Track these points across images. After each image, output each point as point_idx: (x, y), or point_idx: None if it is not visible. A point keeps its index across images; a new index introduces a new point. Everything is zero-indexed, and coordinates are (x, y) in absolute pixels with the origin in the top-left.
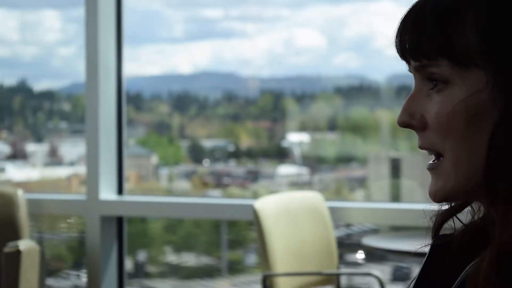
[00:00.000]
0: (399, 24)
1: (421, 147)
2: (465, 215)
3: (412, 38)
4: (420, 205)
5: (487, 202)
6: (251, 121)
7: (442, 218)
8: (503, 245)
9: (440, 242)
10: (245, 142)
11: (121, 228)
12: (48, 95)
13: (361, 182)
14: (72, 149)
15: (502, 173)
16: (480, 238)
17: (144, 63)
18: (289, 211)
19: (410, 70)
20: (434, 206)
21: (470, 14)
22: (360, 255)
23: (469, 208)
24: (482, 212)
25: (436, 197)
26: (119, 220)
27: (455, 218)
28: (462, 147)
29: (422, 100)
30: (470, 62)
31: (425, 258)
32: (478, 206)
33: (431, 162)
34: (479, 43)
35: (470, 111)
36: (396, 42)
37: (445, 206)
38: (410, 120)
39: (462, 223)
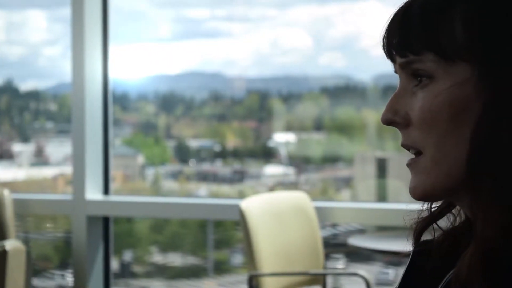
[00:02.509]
0: (387, 22)
1: (403, 145)
2: (445, 223)
3: (399, 34)
4: (406, 205)
5: (470, 197)
6: (237, 121)
7: (422, 225)
8: (486, 240)
9: (421, 248)
10: (231, 142)
11: (107, 228)
12: (34, 95)
13: (347, 182)
14: (58, 149)
15: (486, 167)
16: (461, 243)
17: (130, 63)
18: (276, 211)
19: (395, 70)
20: (416, 207)
21: (457, 9)
22: (341, 260)
23: (448, 214)
24: (462, 217)
25: (415, 193)
26: (105, 220)
27: (435, 224)
28: (444, 143)
29: (407, 98)
30: (455, 56)
31: (407, 264)
32: (457, 211)
33: (410, 158)
34: (465, 36)
35: (453, 104)
36: (383, 39)
37: (425, 213)
38: (394, 117)
39: (441, 229)
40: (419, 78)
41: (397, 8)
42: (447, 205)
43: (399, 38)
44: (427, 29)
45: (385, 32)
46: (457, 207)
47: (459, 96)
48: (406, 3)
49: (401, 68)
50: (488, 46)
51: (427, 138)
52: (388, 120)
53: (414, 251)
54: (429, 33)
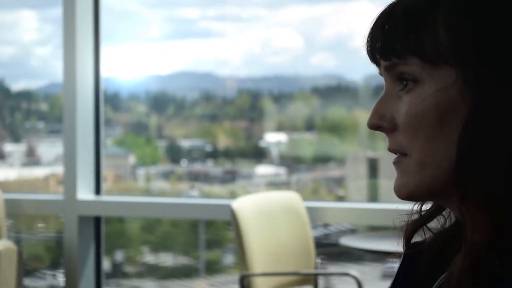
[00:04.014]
0: (370, 25)
1: (389, 149)
2: (436, 224)
3: (383, 37)
4: (398, 205)
5: (458, 202)
6: (229, 121)
7: (412, 227)
8: (475, 245)
9: (411, 251)
10: (223, 142)
11: (99, 228)
12: (26, 95)
13: (339, 182)
14: (50, 149)
15: (472, 171)
16: (451, 245)
17: (122, 63)
18: (267, 211)
19: (380, 73)
20: (407, 208)
21: (440, 12)
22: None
23: (438, 216)
24: (452, 219)
25: (400, 192)
26: (97, 220)
27: (425, 227)
28: (430, 147)
29: (392, 102)
30: (439, 60)
31: (398, 267)
32: (448, 212)
33: (396, 157)
34: (449, 40)
35: (439, 108)
36: (367, 43)
37: (415, 215)
38: (380, 122)
39: (432, 232)
40: (404, 82)
41: (380, 11)
42: (437, 208)
43: (383, 41)
44: (411, 33)
45: (368, 36)
46: (447, 209)
47: (445, 101)
48: (388, 6)
49: (385, 71)
50: (471, 50)
51: (413, 143)
52: (374, 125)
53: (404, 254)
54: (413, 37)
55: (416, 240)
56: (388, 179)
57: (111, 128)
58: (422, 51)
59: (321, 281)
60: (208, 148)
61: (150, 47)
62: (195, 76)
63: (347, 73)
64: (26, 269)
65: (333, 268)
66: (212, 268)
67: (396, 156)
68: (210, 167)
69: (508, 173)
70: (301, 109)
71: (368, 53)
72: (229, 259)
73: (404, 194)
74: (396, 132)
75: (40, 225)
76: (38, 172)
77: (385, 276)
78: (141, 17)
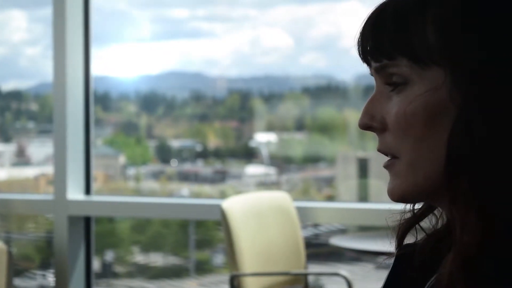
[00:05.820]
0: (361, 26)
1: (379, 150)
2: (428, 225)
3: (372, 38)
4: (388, 205)
5: (448, 202)
6: (219, 121)
7: (404, 227)
8: (465, 246)
9: (403, 252)
10: (213, 142)
11: (89, 228)
12: (16, 95)
13: (329, 182)
14: (40, 149)
15: (462, 171)
16: (443, 246)
17: (112, 63)
18: (257, 211)
19: (371, 73)
20: (398, 207)
21: (430, 13)
22: None
23: (430, 217)
24: (444, 220)
25: (394, 196)
26: (87, 220)
27: (418, 227)
28: (420, 148)
29: (383, 102)
30: (429, 61)
31: (390, 268)
32: (440, 213)
33: (387, 160)
34: (438, 40)
35: (428, 109)
36: (358, 44)
37: (407, 214)
38: (370, 122)
39: (424, 232)
40: (394, 83)
41: (370, 12)
42: (429, 206)
43: (373, 42)
44: (400, 34)
45: (359, 37)
46: (439, 209)
47: (434, 101)
48: (378, 7)
49: (376, 72)
50: (460, 50)
51: (403, 143)
52: (365, 125)
53: (396, 255)
54: (402, 38)
55: (408, 241)
56: (378, 179)
57: (101, 128)
58: (411, 51)
59: (311, 281)
60: (198, 148)
61: (140, 47)
62: (185, 76)
63: (337, 73)
64: (16, 269)
65: (323, 268)
66: (202, 268)
67: (388, 159)
68: (200, 167)
69: (497, 173)
70: (291, 109)
71: (359, 55)
72: (219, 259)
73: (397, 196)
74: (386, 132)
75: (30, 225)
76: (28, 172)
77: (381, 274)
78: (131, 17)
